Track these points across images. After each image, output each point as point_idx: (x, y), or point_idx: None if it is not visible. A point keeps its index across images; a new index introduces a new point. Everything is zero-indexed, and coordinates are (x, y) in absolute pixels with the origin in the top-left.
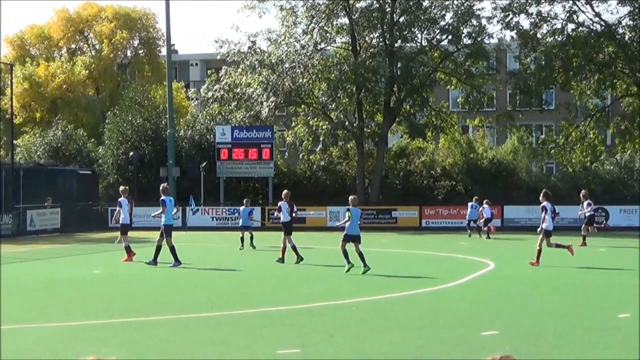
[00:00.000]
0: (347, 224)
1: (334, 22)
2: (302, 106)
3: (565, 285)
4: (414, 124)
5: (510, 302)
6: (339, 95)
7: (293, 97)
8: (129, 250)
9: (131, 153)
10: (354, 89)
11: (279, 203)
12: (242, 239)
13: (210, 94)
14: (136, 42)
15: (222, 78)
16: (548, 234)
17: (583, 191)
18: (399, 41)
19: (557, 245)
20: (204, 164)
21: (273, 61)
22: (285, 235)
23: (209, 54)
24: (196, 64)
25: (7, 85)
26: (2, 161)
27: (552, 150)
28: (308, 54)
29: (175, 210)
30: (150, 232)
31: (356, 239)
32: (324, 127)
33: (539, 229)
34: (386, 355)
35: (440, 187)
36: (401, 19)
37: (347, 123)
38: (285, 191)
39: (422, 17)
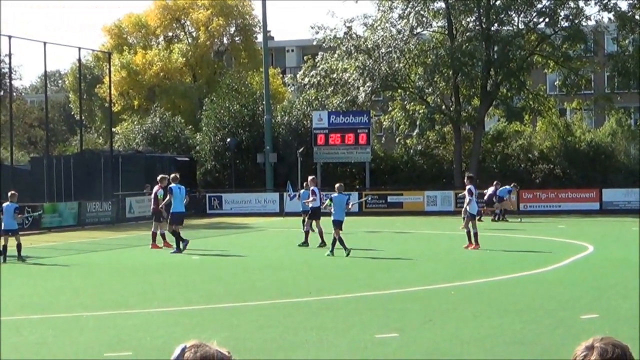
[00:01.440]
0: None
1: (430, 7)
2: (399, 91)
3: None
4: (511, 107)
5: (610, 286)
6: (435, 79)
7: (389, 81)
8: (154, 237)
9: (228, 139)
10: (451, 73)
11: (312, 188)
12: (304, 222)
13: (306, 79)
14: (232, 29)
15: (318, 64)
16: (472, 217)
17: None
18: (496, 24)
19: (469, 233)
20: (301, 149)
21: (369, 46)
22: (315, 219)
23: (305, 39)
24: (292, 50)
25: (105, 74)
26: (101, 148)
27: None
28: (404, 38)
29: (186, 199)
30: (246, 218)
31: (339, 225)
32: (420, 112)
33: (463, 212)
34: (485, 339)
35: (537, 170)
36: (497, 2)
37: (443, 107)
38: (312, 177)
39: (519, 0)
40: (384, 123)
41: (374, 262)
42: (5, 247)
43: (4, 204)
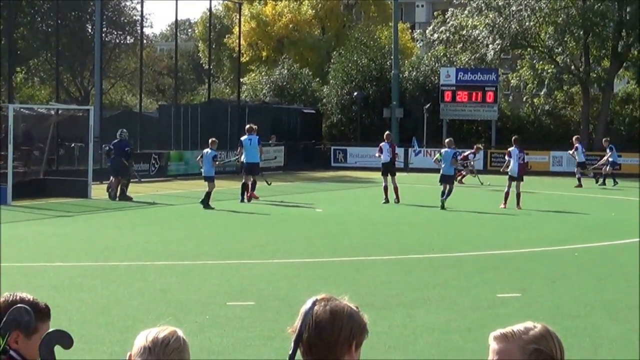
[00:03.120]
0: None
1: None
2: (528, 49)
3: None
4: None
5: None
6: (565, 39)
7: (519, 40)
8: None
9: (355, 93)
10: (581, 33)
11: (381, 144)
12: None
13: (435, 35)
14: None
15: (448, 20)
16: (512, 178)
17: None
18: None
19: (512, 195)
20: (427, 105)
21: (500, 4)
22: (392, 175)
23: None
24: (422, 6)
25: (235, 24)
26: (229, 98)
27: None
28: None
29: (259, 149)
30: (370, 173)
31: (446, 179)
32: (549, 71)
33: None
34: (609, 303)
35: None
36: None
37: (572, 67)
38: (387, 132)
39: None
40: (512, 81)
41: (497, 221)
42: (208, 193)
43: (204, 151)
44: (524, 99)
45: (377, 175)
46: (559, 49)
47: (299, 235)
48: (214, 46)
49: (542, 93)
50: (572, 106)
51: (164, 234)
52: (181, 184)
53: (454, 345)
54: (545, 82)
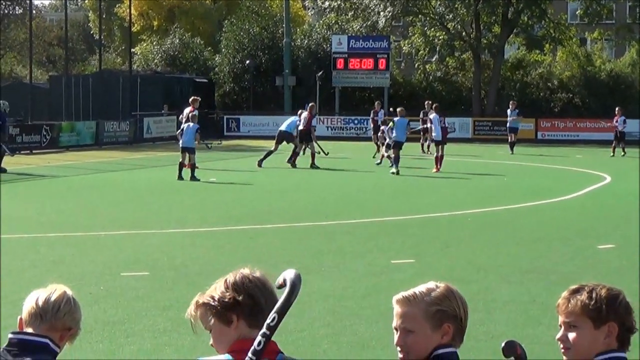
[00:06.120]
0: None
1: None
2: (419, 16)
3: None
4: (532, 35)
5: (627, 216)
6: (456, 5)
7: (410, 7)
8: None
9: (247, 61)
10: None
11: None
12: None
13: (327, 3)
14: None
15: None
16: (437, 143)
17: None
18: None
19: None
20: (319, 73)
21: None
22: (307, 142)
23: None
24: None
25: None
26: (120, 68)
27: None
28: None
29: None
30: (263, 141)
31: (397, 145)
32: (440, 38)
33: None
34: (501, 267)
35: (556, 99)
36: None
37: (464, 34)
38: (311, 104)
39: None
40: (404, 49)
41: (393, 187)
42: (193, 165)
43: (185, 125)
44: (416, 65)
45: (271, 143)
46: (450, 16)
47: (193, 204)
48: (104, 16)
49: (434, 60)
50: (464, 72)
51: (56, 205)
52: (73, 155)
53: (349, 312)
54: (437, 49)
